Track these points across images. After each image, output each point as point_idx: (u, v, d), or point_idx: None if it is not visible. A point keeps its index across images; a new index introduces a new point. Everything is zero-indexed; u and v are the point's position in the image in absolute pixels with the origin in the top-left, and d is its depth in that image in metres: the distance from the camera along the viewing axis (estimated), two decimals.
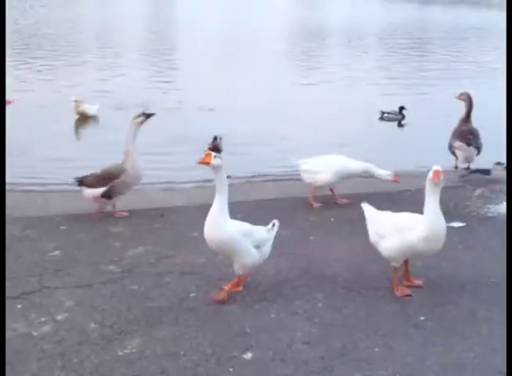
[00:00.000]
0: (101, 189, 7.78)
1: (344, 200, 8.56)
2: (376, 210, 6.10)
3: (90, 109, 14.12)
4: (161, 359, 4.70)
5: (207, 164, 5.38)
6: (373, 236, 5.89)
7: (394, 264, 5.73)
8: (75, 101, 13.98)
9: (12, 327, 5.11)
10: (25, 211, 8.05)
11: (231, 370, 4.57)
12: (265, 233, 5.79)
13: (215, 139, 11.89)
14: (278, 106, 15.44)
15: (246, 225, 5.69)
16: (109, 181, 7.80)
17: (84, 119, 14.10)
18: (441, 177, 5.40)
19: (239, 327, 5.17)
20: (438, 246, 5.59)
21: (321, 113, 14.87)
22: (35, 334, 5.03)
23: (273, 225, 5.94)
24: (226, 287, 5.70)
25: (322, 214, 8.14)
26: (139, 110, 8.12)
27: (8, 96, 9.71)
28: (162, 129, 12.49)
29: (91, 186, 7.82)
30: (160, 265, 6.37)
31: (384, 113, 14.81)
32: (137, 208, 8.22)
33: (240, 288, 5.78)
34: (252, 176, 10.42)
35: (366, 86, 18.76)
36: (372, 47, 29.55)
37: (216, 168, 5.41)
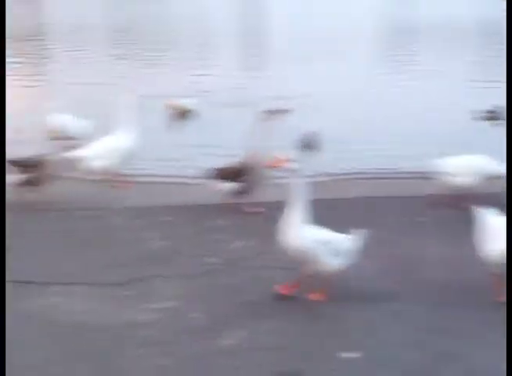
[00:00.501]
0: (236, 184, 7.83)
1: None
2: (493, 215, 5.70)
3: (186, 104, 14.27)
4: (262, 353, 4.74)
5: (280, 167, 5.36)
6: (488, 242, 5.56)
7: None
8: (171, 99, 14.14)
9: (120, 313, 5.30)
10: (133, 202, 8.33)
11: (333, 368, 4.56)
12: (346, 241, 5.60)
13: (309, 135, 11.78)
14: (376, 103, 15.23)
15: (323, 233, 5.54)
16: (244, 176, 7.85)
17: (181, 114, 14.27)
18: None
19: (342, 326, 5.16)
20: None
21: (422, 112, 14.53)
22: (140, 320, 5.19)
23: (356, 234, 5.67)
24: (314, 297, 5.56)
25: (424, 214, 7.96)
26: (271, 107, 8.07)
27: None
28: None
29: (225, 179, 7.91)
30: (261, 260, 6.41)
31: (480, 111, 14.24)
32: (236, 202, 8.31)
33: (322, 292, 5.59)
34: (347, 174, 10.30)
35: (465, 84, 18.16)
36: (472, 44, 28.60)
37: (292, 172, 5.35)
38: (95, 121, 11.05)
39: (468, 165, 8.11)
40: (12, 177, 7.96)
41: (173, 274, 6.05)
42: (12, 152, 8.27)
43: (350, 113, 14.13)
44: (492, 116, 14.15)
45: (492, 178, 8.15)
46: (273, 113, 7.87)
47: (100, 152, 8.83)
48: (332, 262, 5.46)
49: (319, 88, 16.71)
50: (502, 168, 7.90)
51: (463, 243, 6.36)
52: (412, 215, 7.89)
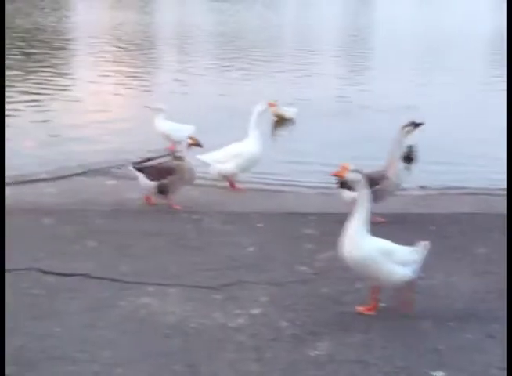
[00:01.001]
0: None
1: None
2: None
3: (288, 112, 14.47)
4: (351, 365, 4.71)
5: (342, 177, 5.34)
6: None
7: None
8: (270, 104, 14.32)
9: (211, 315, 5.40)
10: (225, 207, 8.47)
11: None
12: (408, 253, 5.44)
13: (409, 148, 11.66)
14: (480, 116, 14.80)
15: (386, 244, 5.43)
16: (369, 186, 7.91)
17: (281, 122, 14.48)
18: None
19: (432, 343, 5.04)
20: None
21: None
22: (231, 325, 5.27)
23: (421, 246, 5.50)
24: (365, 311, 5.50)
25: None
26: (409, 119, 8.11)
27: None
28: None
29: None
30: (351, 271, 6.35)
31: None
32: (328, 212, 8.30)
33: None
34: (448, 188, 10.07)
35: None
36: None
37: (354, 182, 5.37)
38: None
39: None
40: (146, 183, 8.31)
41: (264, 281, 6.10)
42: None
43: (459, 125, 13.84)
44: None
45: None
46: (413, 125, 7.92)
47: (228, 157, 9.20)
48: (397, 272, 5.34)
49: (422, 99, 16.46)
50: None
51: None
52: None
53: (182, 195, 8.50)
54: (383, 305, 5.66)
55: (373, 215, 7.79)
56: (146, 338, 5.03)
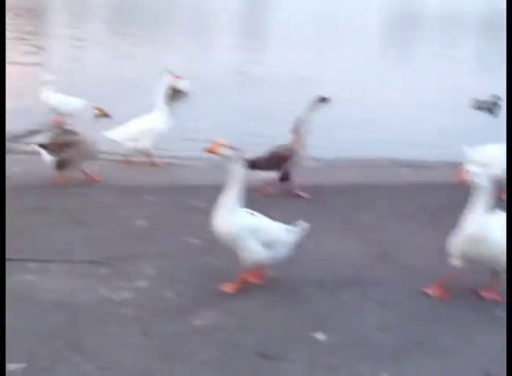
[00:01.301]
0: (274, 173, 7.95)
1: None
2: None
3: (181, 84, 14.33)
4: (235, 333, 4.78)
5: (215, 153, 5.24)
6: None
7: None
8: (166, 73, 14.19)
9: (95, 290, 5.32)
10: (117, 181, 8.34)
11: (301, 348, 4.61)
12: (282, 232, 5.42)
13: (298, 121, 11.83)
14: (367, 92, 15.23)
15: (255, 221, 5.35)
16: (280, 164, 7.94)
17: (174, 94, 14.34)
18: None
19: (313, 307, 5.20)
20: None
21: (414, 100, 14.55)
22: (116, 298, 5.22)
23: (297, 225, 5.49)
24: (229, 289, 5.44)
25: (409, 202, 8.01)
26: (317, 95, 8.14)
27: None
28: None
29: (264, 168, 7.95)
30: None
31: (478, 101, 14.30)
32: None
33: (254, 281, 5.52)
34: (336, 160, 10.33)
35: (462, 73, 18.18)
36: (472, 34, 28.49)
37: (226, 159, 5.24)
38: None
39: (496, 155, 7.97)
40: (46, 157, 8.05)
41: (152, 254, 6.07)
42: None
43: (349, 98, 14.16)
44: (489, 106, 14.21)
45: None
46: (322, 101, 7.99)
47: (140, 134, 8.99)
48: (259, 251, 5.30)
49: (317, 71, 16.76)
50: None
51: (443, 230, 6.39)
52: (400, 202, 7.97)
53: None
54: (269, 273, 5.78)
55: (296, 188, 8.04)
56: (27, 315, 4.90)
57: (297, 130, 8.05)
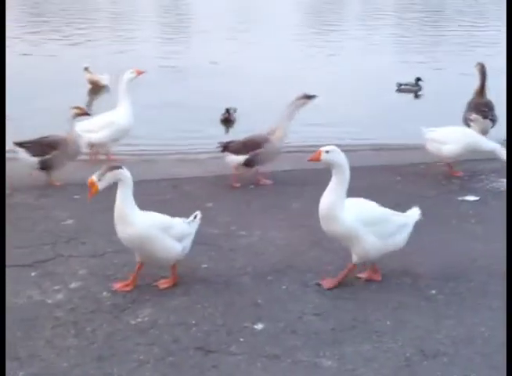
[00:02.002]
0: (243, 157, 7.91)
1: None
2: None
3: (102, 78, 14.11)
4: (173, 329, 4.74)
5: (96, 191, 4.99)
6: None
7: None
8: (86, 69, 13.97)
9: (27, 294, 5.18)
10: (38, 181, 8.09)
11: (242, 340, 4.61)
12: (186, 226, 5.40)
13: (227, 111, 11.90)
14: (290, 74, 15.36)
15: (163, 218, 5.27)
16: (252, 149, 7.90)
17: (96, 88, 14.11)
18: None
19: (251, 298, 5.21)
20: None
21: (336, 83, 14.76)
22: (49, 301, 5.09)
23: (195, 217, 5.52)
24: (164, 285, 5.36)
25: None
26: (301, 92, 8.09)
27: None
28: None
29: (234, 152, 7.93)
30: None
31: (401, 84, 14.66)
32: (149, 179, 8.24)
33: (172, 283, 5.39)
34: None
35: (381, 56, 18.58)
36: (388, 18, 29.13)
37: (115, 179, 5.02)
38: None
39: (456, 136, 8.30)
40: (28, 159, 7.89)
41: (83, 253, 5.95)
42: None
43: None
44: (408, 89, 14.61)
45: (476, 152, 8.41)
46: (306, 98, 7.97)
47: (99, 127, 8.84)
48: (177, 248, 5.24)
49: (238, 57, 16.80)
50: (488, 145, 8.24)
51: None
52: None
53: None
54: (204, 266, 5.76)
55: (259, 176, 8.02)
56: None
57: (280, 124, 8.06)
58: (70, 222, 6.70)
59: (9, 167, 8.67)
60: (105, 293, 5.24)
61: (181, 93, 13.70)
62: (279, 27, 24.28)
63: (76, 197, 7.44)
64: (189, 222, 5.47)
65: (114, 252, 5.97)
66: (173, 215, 6.70)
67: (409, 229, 5.50)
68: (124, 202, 5.04)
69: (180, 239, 5.31)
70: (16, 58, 16.72)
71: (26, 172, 8.29)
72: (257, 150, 7.93)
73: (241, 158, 7.95)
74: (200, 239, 6.26)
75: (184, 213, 6.91)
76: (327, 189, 5.23)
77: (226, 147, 7.96)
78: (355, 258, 5.36)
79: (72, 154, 8.06)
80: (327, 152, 5.17)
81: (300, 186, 8.03)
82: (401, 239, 5.44)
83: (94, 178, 4.97)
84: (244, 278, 5.55)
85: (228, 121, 11.97)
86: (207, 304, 5.10)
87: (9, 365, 4.26)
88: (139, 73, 9.17)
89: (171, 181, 8.19)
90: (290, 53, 18.40)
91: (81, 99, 13.35)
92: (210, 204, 7.28)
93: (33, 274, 5.52)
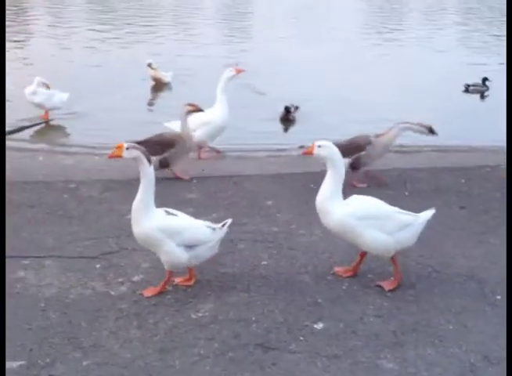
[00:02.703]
0: (346, 160, 7.74)
1: None
2: None
3: (165, 76, 14.31)
4: (233, 324, 4.77)
5: (119, 157, 4.99)
6: None
7: None
8: (149, 65, 14.17)
9: (91, 285, 5.29)
10: (103, 174, 8.27)
11: (301, 338, 4.60)
12: (206, 232, 5.16)
13: (287, 109, 11.85)
14: (351, 72, 15.25)
15: (172, 222, 5.10)
16: (354, 152, 7.84)
17: (159, 85, 14.32)
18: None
19: (311, 297, 5.19)
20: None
21: (402, 83, 14.56)
22: (113, 293, 5.19)
23: (224, 224, 5.27)
24: (181, 283, 5.33)
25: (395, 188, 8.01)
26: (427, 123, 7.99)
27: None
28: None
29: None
30: (232, 232, 6.40)
31: (468, 85, 14.37)
32: (211, 175, 8.32)
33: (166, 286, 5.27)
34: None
35: (446, 57, 18.24)
36: (451, 18, 28.55)
37: (134, 160, 4.99)
38: None
39: None
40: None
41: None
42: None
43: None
44: (476, 89, 14.29)
45: None
46: (428, 130, 7.90)
47: (197, 125, 8.85)
48: (177, 254, 5.09)
49: (292, 55, 16.77)
50: None
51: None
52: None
53: (57, 164, 8.21)
54: (264, 263, 5.77)
55: (354, 180, 7.93)
56: (23, 312, 4.86)
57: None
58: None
59: (75, 160, 8.96)
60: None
61: (242, 91, 13.76)
62: (342, 25, 24.11)
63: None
64: (214, 229, 5.23)
65: None
66: (233, 211, 6.79)
67: (414, 228, 5.32)
68: (141, 199, 5.02)
69: (191, 245, 5.11)
70: (82, 54, 17.15)
71: (89, 166, 8.50)
72: (359, 153, 7.84)
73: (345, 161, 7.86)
74: (260, 236, 6.33)
75: (244, 210, 7.04)
76: (323, 183, 5.29)
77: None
78: (366, 249, 5.36)
79: (188, 150, 8.23)
80: (319, 146, 5.25)
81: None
82: (405, 237, 5.30)
83: (125, 144, 5.02)
84: (304, 277, 5.54)
85: (287, 119, 11.93)
86: (268, 301, 5.11)
87: (73, 354, 4.37)
88: (238, 71, 9.21)
89: (231, 178, 8.24)
90: (354, 52, 18.26)
91: (144, 95, 13.63)
92: (269, 202, 7.30)
93: (98, 266, 5.64)
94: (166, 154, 8.00)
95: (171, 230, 5.05)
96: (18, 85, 11.78)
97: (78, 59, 16.53)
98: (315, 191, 7.38)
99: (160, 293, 5.19)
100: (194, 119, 8.68)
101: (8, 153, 8.57)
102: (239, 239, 6.25)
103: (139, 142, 7.96)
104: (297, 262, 5.80)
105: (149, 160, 5.03)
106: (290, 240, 6.26)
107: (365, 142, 7.91)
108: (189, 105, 8.14)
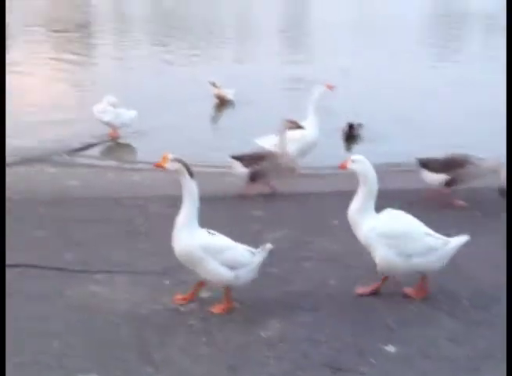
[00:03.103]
0: (443, 176, 7.83)
1: None
2: None
3: (228, 93, 14.45)
4: (302, 344, 4.74)
5: (162, 168, 4.96)
6: None
7: None
8: (213, 84, 14.35)
9: (161, 301, 5.35)
10: (169, 191, 8.37)
11: (373, 361, 4.53)
12: (245, 254, 5.12)
13: (351, 126, 11.78)
14: (418, 93, 15.08)
15: (213, 241, 5.09)
16: (453, 168, 7.81)
17: (222, 103, 14.47)
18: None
19: (381, 318, 5.12)
20: None
21: (471, 105, 14.32)
22: (182, 309, 5.23)
23: (263, 248, 5.19)
24: (214, 310, 5.19)
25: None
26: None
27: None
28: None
29: (434, 170, 7.88)
30: (298, 251, 6.42)
31: None
32: (277, 193, 8.35)
33: (230, 305, 5.22)
34: (391, 165, 10.20)
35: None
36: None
37: (176, 173, 4.98)
38: None
39: None
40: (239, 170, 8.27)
41: None
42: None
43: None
44: None
45: None
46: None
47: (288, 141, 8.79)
48: (222, 273, 5.05)
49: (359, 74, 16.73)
50: None
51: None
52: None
53: (124, 181, 8.37)
54: (332, 282, 5.73)
55: (452, 198, 7.86)
56: (95, 326, 4.95)
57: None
58: None
59: (141, 176, 9.12)
60: (235, 304, 5.32)
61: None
62: (403, 36, 23.91)
63: (204, 208, 7.61)
64: (253, 252, 5.17)
65: None
66: (299, 229, 6.78)
67: (441, 253, 5.25)
68: (185, 215, 5.01)
69: (232, 266, 5.06)
70: (147, 74, 17.52)
71: (155, 183, 8.65)
72: (459, 170, 7.76)
73: (441, 177, 7.81)
74: (326, 255, 6.29)
75: (310, 228, 7.01)
76: (354, 197, 5.35)
77: (425, 164, 7.84)
78: (378, 267, 5.38)
79: (283, 168, 8.23)
80: (353, 161, 5.31)
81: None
82: (429, 261, 5.24)
83: (171, 156, 4.99)
84: (373, 298, 5.47)
85: (350, 136, 11.85)
86: (336, 321, 5.06)
87: (145, 369, 4.42)
88: (330, 87, 9.20)
89: (298, 195, 8.24)
90: (418, 64, 18.12)
91: (208, 113, 13.80)
92: (336, 222, 7.24)
93: (167, 282, 5.70)
94: (257, 167, 8.07)
95: (213, 249, 5.01)
96: (86, 104, 12.11)
97: (143, 79, 16.89)
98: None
99: (228, 309, 5.20)
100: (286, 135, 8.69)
101: (78, 170, 8.86)
102: (305, 257, 6.24)
103: (239, 156, 8.20)
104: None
105: (191, 174, 5.00)
106: (358, 260, 6.19)
107: (465, 160, 7.78)
108: (289, 121, 8.19)
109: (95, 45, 23.26)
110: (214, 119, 13.87)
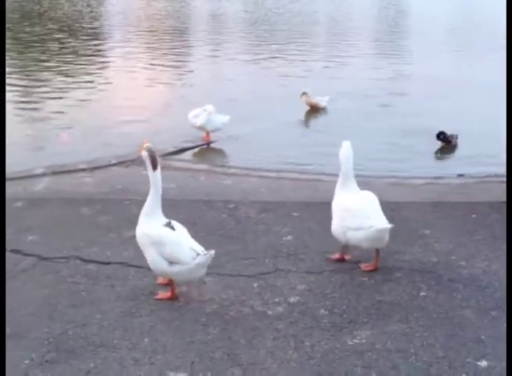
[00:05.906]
0: None
1: None
2: None
3: (321, 101, 14.43)
4: (392, 355, 4.66)
5: (139, 153, 5.27)
6: None
7: None
8: (304, 93, 14.36)
9: (249, 304, 5.40)
10: (260, 196, 8.46)
11: None
12: (187, 253, 5.11)
13: (444, 136, 11.49)
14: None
15: (160, 232, 5.19)
16: None
17: (314, 111, 14.45)
18: None
19: (473, 332, 4.96)
20: None
21: None
22: (270, 313, 5.26)
23: (207, 253, 5.15)
24: (158, 296, 5.43)
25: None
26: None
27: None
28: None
29: None
30: (389, 260, 6.31)
31: None
32: None
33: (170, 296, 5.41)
34: (487, 176, 9.89)
35: None
36: None
37: (144, 160, 5.24)
38: None
39: None
40: None
41: (301, 269, 6.07)
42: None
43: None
44: None
45: None
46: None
47: None
48: (159, 264, 5.19)
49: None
50: None
51: None
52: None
53: (217, 184, 8.49)
54: (423, 294, 5.60)
55: None
56: (185, 325, 5.05)
57: None
58: (289, 238, 6.88)
59: (233, 181, 9.24)
60: (322, 310, 5.29)
61: (398, 116, 13.63)
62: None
63: (295, 214, 7.64)
64: (200, 254, 5.15)
65: (332, 271, 6.03)
66: (390, 239, 6.65)
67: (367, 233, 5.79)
68: (147, 204, 5.33)
69: (171, 261, 5.16)
70: (240, 79, 17.77)
71: (246, 187, 8.74)
72: None
73: None
74: (417, 266, 6.16)
75: (401, 238, 6.88)
76: None
77: None
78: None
79: None
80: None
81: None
82: (359, 238, 5.84)
83: (145, 145, 5.25)
84: (466, 311, 5.30)
85: (445, 147, 11.58)
86: (427, 333, 4.95)
87: (233, 371, 4.47)
88: None
89: (388, 205, 8.09)
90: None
91: (300, 120, 13.84)
92: (427, 231, 7.09)
93: (255, 285, 5.74)
94: None
95: (156, 240, 5.20)
96: (182, 109, 12.40)
97: (236, 84, 17.15)
98: (477, 222, 7.13)
99: (169, 299, 5.37)
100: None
101: (172, 173, 9.07)
102: (396, 267, 6.13)
103: None
104: (458, 295, 5.57)
105: (155, 166, 5.21)
106: (450, 272, 6.04)
107: None
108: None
109: (196, 51, 23.82)
110: (305, 125, 13.88)
